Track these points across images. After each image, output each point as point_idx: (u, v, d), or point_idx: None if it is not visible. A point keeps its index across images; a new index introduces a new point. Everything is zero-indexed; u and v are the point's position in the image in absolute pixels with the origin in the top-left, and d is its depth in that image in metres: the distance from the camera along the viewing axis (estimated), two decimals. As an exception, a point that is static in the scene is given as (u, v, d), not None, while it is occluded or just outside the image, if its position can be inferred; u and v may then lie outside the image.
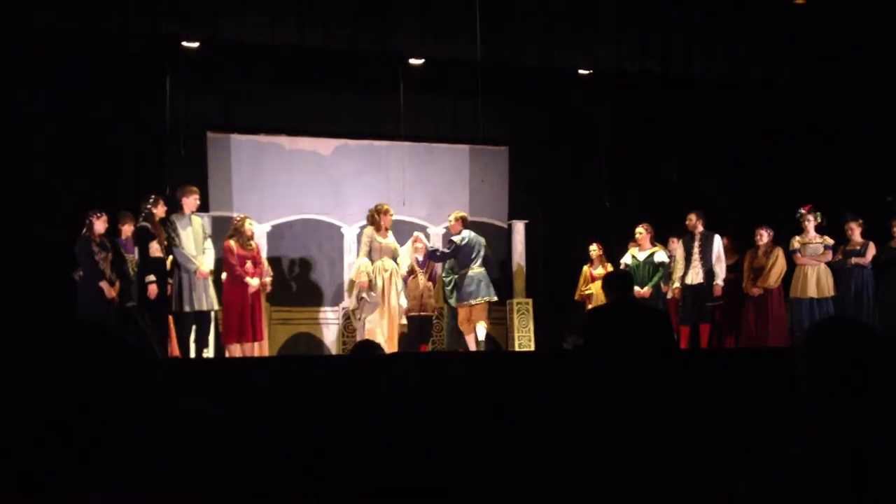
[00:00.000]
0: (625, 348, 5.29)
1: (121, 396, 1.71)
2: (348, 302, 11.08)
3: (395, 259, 9.33)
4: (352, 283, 9.40)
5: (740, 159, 11.40)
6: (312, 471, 4.20)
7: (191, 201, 8.64)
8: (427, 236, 11.20)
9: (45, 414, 1.67)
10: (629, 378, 4.88)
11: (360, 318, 9.21)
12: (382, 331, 9.03)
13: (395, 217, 9.70)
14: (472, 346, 9.51)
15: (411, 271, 9.80)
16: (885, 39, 9.88)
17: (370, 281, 9.10)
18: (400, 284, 9.29)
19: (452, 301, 10.07)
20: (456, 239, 9.72)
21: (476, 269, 9.64)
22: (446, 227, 10.71)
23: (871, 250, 9.18)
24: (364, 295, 9.08)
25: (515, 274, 11.56)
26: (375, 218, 9.32)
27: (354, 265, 9.46)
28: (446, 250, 9.82)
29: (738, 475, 1.90)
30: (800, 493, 1.82)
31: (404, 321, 9.66)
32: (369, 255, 9.22)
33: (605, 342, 5.49)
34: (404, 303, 9.36)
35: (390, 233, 9.43)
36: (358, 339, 9.02)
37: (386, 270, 9.16)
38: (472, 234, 9.83)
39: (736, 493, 1.90)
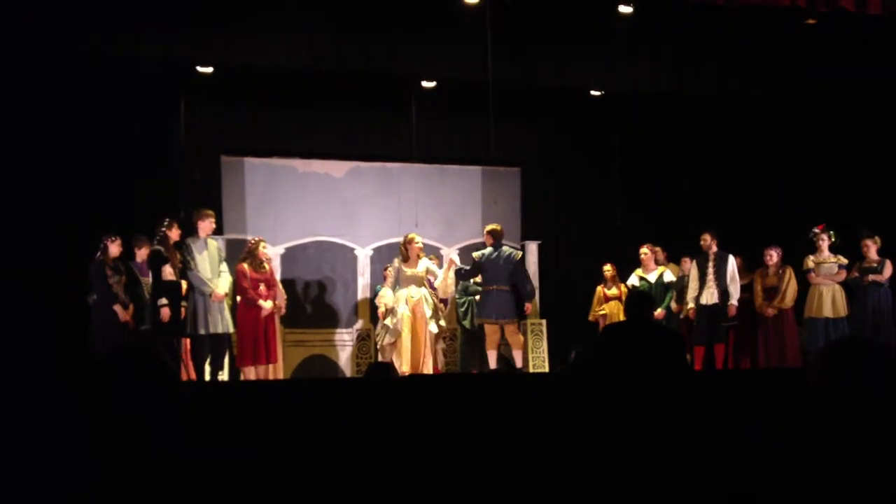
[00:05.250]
0: (637, 367, 5.27)
1: (159, 419, 1.73)
2: (362, 324, 11.12)
3: (426, 284, 9.35)
4: (365, 303, 9.38)
5: (753, 177, 11.36)
6: (328, 491, 4.19)
7: (206, 224, 8.66)
8: (440, 258, 11.22)
9: (87, 434, 1.70)
10: (643, 397, 4.86)
11: (380, 345, 9.42)
12: (406, 357, 9.05)
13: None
14: (493, 364, 9.48)
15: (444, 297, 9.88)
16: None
17: (386, 310, 9.31)
18: (429, 311, 9.26)
19: (466, 322, 10.05)
20: (475, 255, 9.47)
21: (496, 287, 9.29)
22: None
23: (889, 268, 9.10)
24: (387, 322, 9.26)
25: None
26: (403, 249, 9.35)
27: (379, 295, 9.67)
28: (467, 267, 9.51)
29: (758, 496, 1.89)
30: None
31: (442, 345, 9.86)
32: (395, 284, 9.33)
33: (618, 359, 5.47)
34: (434, 328, 9.26)
35: (422, 260, 9.36)
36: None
37: (413, 297, 9.18)
38: (503, 249, 9.43)
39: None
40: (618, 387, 4.99)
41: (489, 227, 9.53)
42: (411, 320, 9.10)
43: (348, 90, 10.40)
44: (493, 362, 9.41)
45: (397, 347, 9.13)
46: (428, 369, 9.13)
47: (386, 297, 9.41)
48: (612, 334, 5.96)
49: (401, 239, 9.62)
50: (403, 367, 8.97)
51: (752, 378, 7.38)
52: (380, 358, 9.38)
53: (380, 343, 9.42)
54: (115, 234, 8.50)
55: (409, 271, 9.20)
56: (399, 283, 9.28)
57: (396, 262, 9.36)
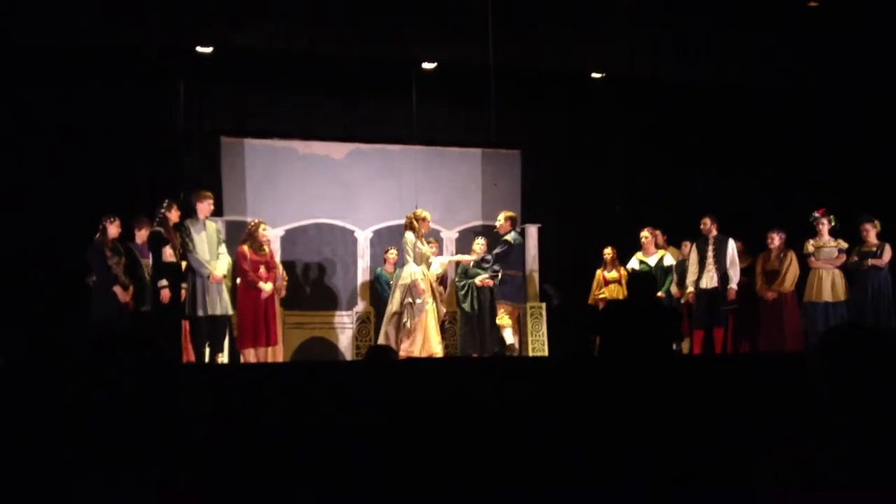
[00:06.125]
0: (634, 347, 5.29)
1: (156, 402, 1.73)
2: (362, 307, 11.11)
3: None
4: (365, 286, 9.20)
5: (753, 162, 11.36)
6: (325, 476, 4.20)
7: (205, 206, 8.65)
8: (440, 241, 11.22)
9: (83, 417, 1.70)
10: (642, 380, 4.87)
11: (406, 323, 9.06)
12: (430, 335, 9.03)
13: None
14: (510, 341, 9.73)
15: (442, 280, 9.89)
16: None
17: (419, 286, 9.02)
18: (438, 290, 9.37)
19: (466, 306, 10.08)
20: (509, 238, 9.70)
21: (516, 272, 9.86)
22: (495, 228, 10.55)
23: (888, 252, 9.10)
24: (414, 300, 9.02)
25: (528, 278, 11.52)
26: (415, 224, 9.19)
27: (405, 271, 9.22)
28: (499, 251, 9.74)
29: (756, 476, 1.90)
30: (819, 494, 1.82)
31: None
32: (414, 260, 9.16)
33: (617, 338, 5.49)
34: (443, 309, 9.50)
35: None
36: (406, 344, 9.01)
37: (425, 275, 9.17)
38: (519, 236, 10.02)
39: (754, 495, 1.90)
40: (614, 367, 5.01)
41: (509, 214, 9.92)
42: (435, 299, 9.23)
43: (349, 72, 10.37)
44: (509, 338, 9.68)
45: (424, 329, 8.98)
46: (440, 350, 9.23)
47: (417, 273, 9.04)
48: (614, 311, 5.99)
49: (402, 220, 9.64)
50: (433, 348, 8.94)
51: (750, 362, 7.38)
52: (403, 339, 9.02)
53: (406, 321, 9.04)
54: (113, 215, 8.48)
55: (422, 248, 9.20)
56: (416, 259, 9.15)
57: (412, 237, 9.17)
